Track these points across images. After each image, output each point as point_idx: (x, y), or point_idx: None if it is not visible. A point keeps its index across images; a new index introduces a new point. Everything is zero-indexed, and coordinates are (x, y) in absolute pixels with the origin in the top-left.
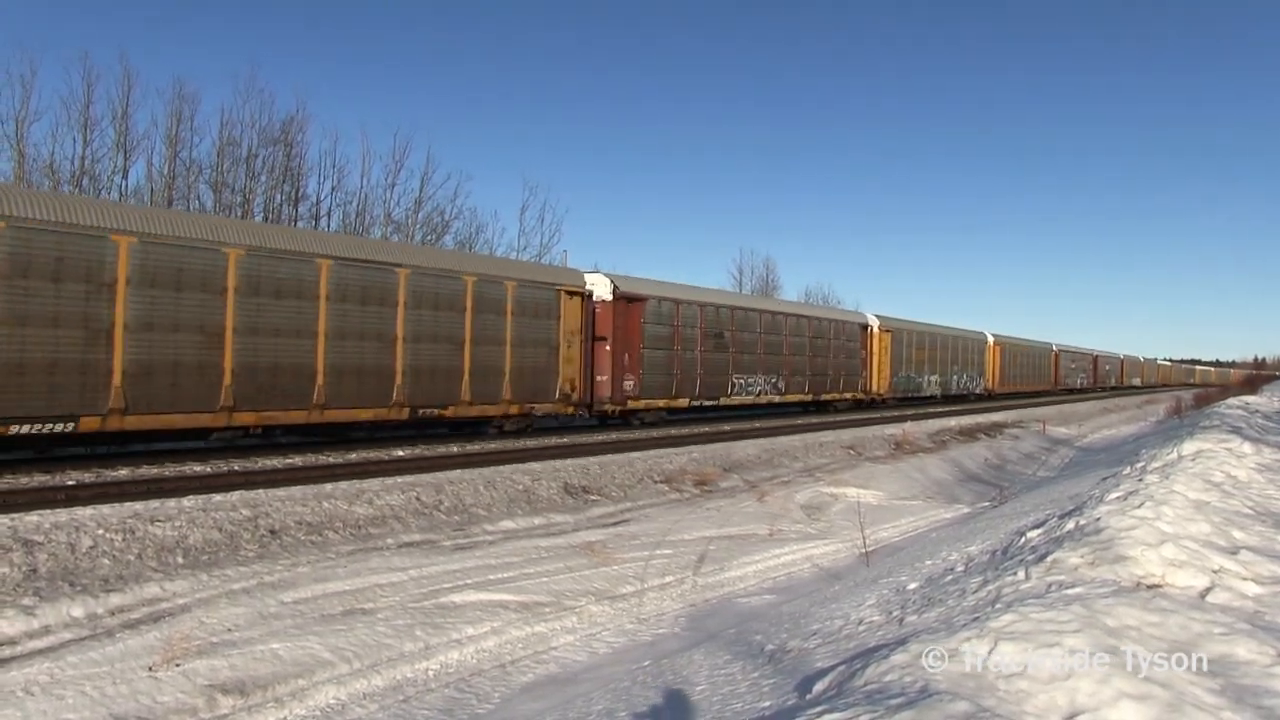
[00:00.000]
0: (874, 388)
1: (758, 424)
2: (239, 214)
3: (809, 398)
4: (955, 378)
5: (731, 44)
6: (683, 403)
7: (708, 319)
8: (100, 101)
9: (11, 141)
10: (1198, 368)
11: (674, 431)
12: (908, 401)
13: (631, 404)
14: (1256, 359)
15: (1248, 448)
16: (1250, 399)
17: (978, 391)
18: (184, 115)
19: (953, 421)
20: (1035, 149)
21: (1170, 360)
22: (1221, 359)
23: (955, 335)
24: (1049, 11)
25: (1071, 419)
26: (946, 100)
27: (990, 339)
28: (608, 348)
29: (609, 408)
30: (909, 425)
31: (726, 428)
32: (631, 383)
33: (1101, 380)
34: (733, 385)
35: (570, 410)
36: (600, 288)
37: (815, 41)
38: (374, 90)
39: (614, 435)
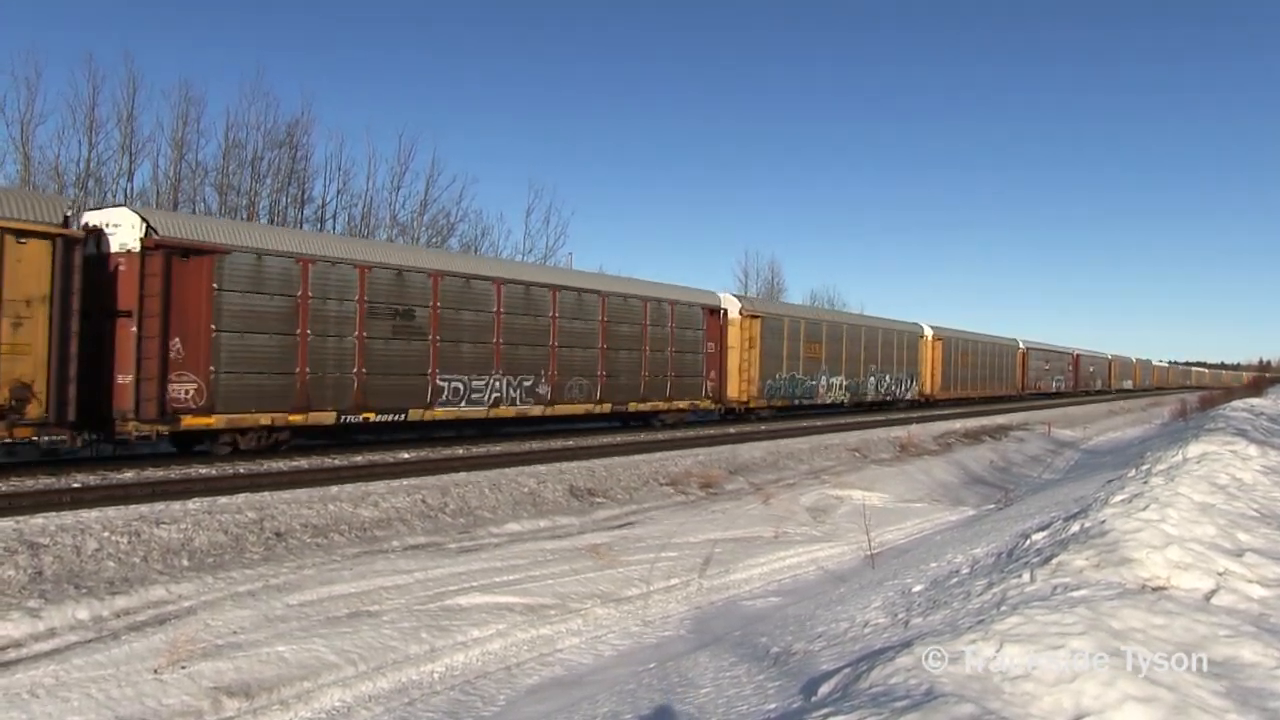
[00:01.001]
0: (731, 393)
1: (763, 426)
2: (244, 216)
3: (600, 407)
4: (874, 380)
5: (737, 45)
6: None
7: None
8: (105, 104)
9: (17, 144)
10: (1194, 370)
11: (679, 434)
12: (791, 412)
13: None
14: (1261, 361)
15: (1253, 450)
16: (1255, 401)
17: (908, 398)
18: (190, 118)
19: (958, 424)
20: (1037, 149)
21: (1170, 362)
22: (1226, 361)
23: (873, 327)
24: (1048, 12)
25: (1076, 421)
26: (948, 101)
27: (928, 332)
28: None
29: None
30: (914, 428)
31: (732, 430)
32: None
33: (1084, 383)
34: (436, 391)
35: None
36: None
37: (822, 43)
38: (379, 93)
39: (619, 438)
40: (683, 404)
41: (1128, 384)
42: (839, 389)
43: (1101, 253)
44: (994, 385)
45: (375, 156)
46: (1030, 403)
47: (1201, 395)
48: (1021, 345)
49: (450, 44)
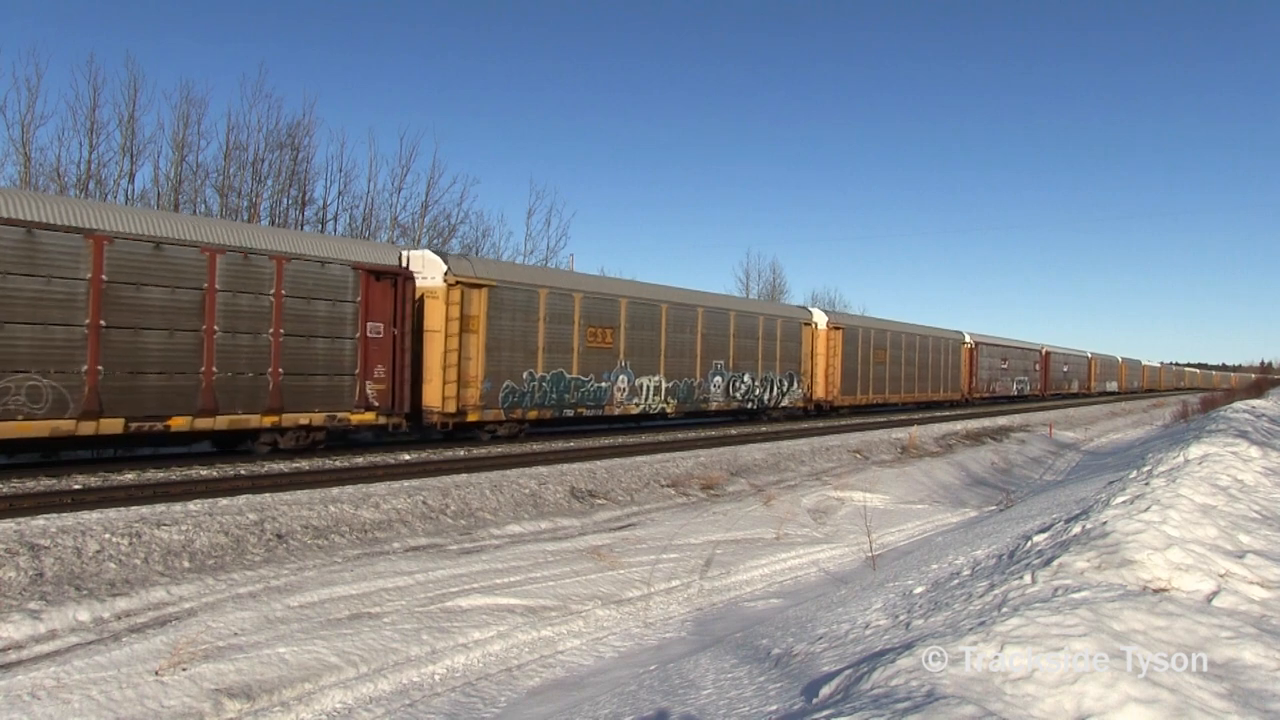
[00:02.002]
0: (434, 399)
1: (764, 428)
2: (245, 218)
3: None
4: (724, 380)
5: (738, 47)
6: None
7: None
8: (106, 105)
9: (18, 145)
10: (1187, 370)
11: (680, 435)
12: (558, 426)
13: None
14: (1263, 363)
15: (1255, 451)
16: (1257, 403)
17: (785, 404)
18: (191, 119)
19: (959, 425)
20: (1038, 148)
21: (1162, 363)
22: (1228, 363)
23: (719, 309)
24: (1047, 11)
25: (1078, 423)
26: (950, 101)
27: (820, 320)
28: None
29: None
30: (916, 429)
31: (733, 432)
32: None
33: (1056, 385)
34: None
35: (805, 405)
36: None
37: (825, 45)
38: (381, 95)
39: (619, 440)
40: (306, 418)
41: (1111, 386)
42: (653, 393)
43: (1108, 255)
44: (927, 388)
45: (376, 158)
46: (983, 409)
47: (1203, 397)
48: (969, 339)
49: (452, 46)
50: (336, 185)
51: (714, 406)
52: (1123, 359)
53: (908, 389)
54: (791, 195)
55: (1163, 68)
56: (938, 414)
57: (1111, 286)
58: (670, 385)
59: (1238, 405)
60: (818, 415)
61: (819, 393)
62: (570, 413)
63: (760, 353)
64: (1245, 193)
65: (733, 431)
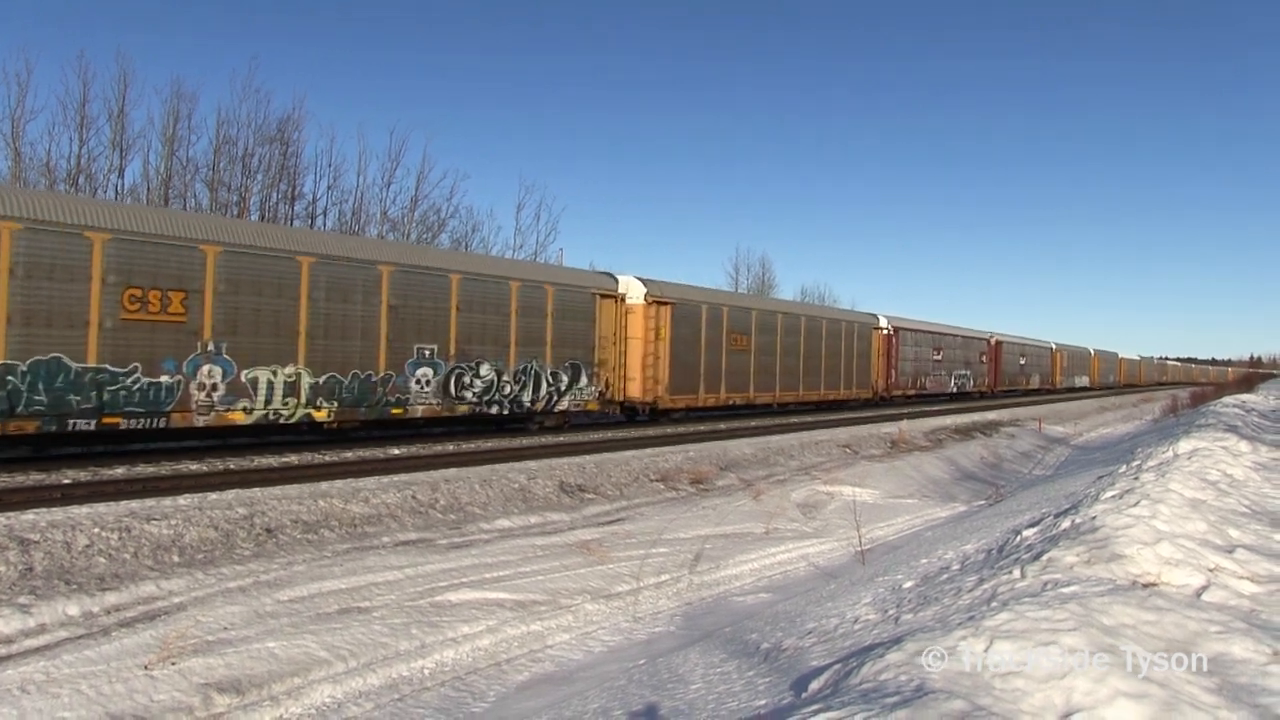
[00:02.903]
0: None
1: (754, 423)
2: (235, 212)
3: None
4: (453, 374)
5: (728, 42)
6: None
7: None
8: (96, 100)
9: (8, 140)
10: (1170, 364)
11: (670, 430)
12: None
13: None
14: (1253, 357)
15: (1244, 446)
16: (1246, 397)
17: (559, 408)
18: (181, 114)
19: (949, 420)
20: (1032, 146)
21: (1142, 356)
22: (1217, 357)
23: (425, 273)
24: (1046, 11)
25: (1067, 418)
26: (946, 99)
27: (635, 292)
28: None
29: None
30: (905, 424)
31: (722, 426)
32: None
33: (1011, 380)
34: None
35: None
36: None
37: (813, 39)
38: (370, 89)
39: (609, 434)
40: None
41: (1081, 380)
42: (281, 392)
43: (1105, 252)
44: (819, 384)
45: (366, 152)
46: (903, 410)
47: (1193, 391)
48: (886, 325)
49: (442, 41)
50: (326, 180)
51: (420, 411)
52: (1095, 351)
53: (788, 385)
54: (782, 190)
55: (1147, 60)
56: (832, 417)
57: (1108, 283)
58: (322, 381)
59: (1227, 399)
60: (631, 423)
61: (633, 391)
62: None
63: (515, 334)
64: (1241, 188)
65: (722, 426)
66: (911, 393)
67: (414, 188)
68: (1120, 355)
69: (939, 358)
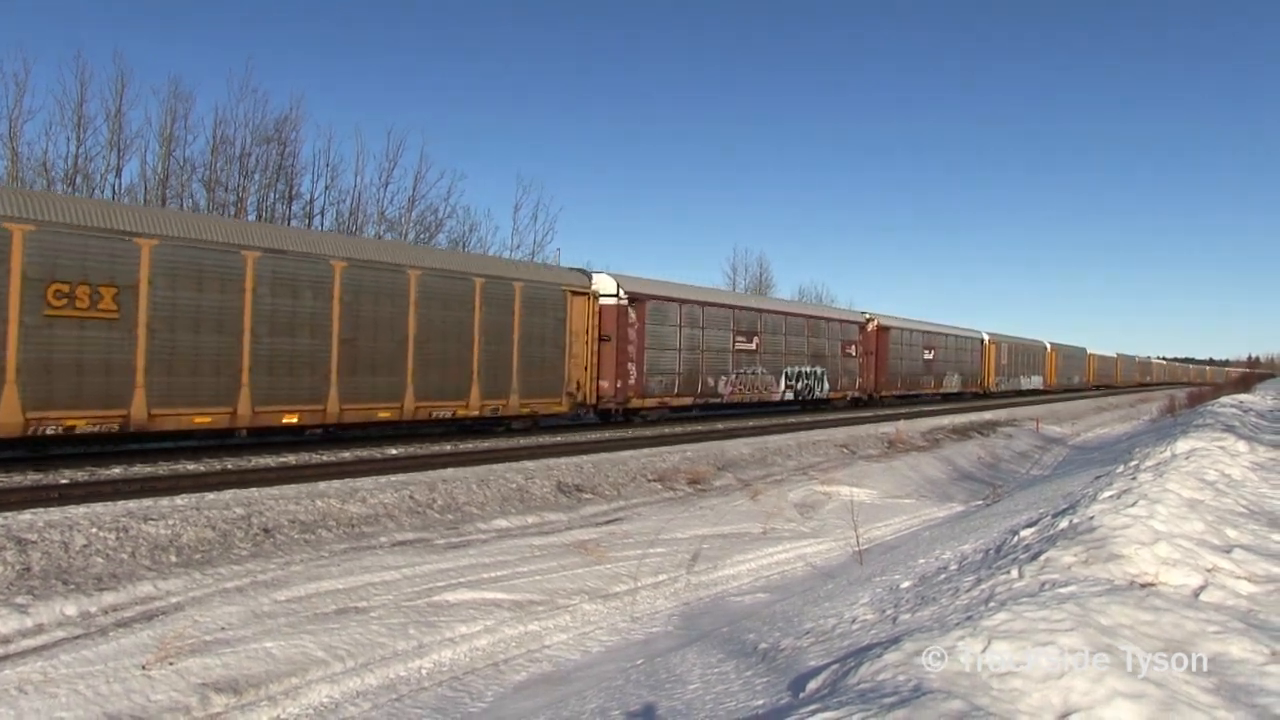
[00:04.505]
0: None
1: (751, 423)
2: (232, 213)
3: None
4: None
5: (725, 43)
6: None
7: None
8: (94, 100)
9: (5, 140)
10: (1155, 362)
11: (667, 430)
12: None
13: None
14: (1250, 357)
15: (1242, 446)
16: (1244, 397)
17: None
18: (179, 114)
19: (946, 420)
20: (1030, 146)
21: (1119, 354)
22: (1216, 357)
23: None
24: (1045, 12)
25: (1065, 418)
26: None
27: (610, 290)
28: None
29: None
30: (902, 424)
31: (720, 426)
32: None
33: (904, 380)
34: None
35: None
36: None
37: (814, 40)
38: (367, 90)
39: (607, 434)
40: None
41: (1030, 382)
42: None
43: (1095, 252)
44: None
45: (363, 152)
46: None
47: (1190, 392)
48: (618, 292)
49: (439, 40)
50: (324, 180)
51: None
52: (1053, 345)
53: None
54: (781, 190)
55: (1147, 60)
56: (830, 417)
57: (1108, 283)
58: None
59: (1224, 400)
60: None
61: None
62: None
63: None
64: (1242, 190)
65: (719, 426)
66: (760, 400)
67: (411, 188)
68: (1090, 351)
69: (752, 346)
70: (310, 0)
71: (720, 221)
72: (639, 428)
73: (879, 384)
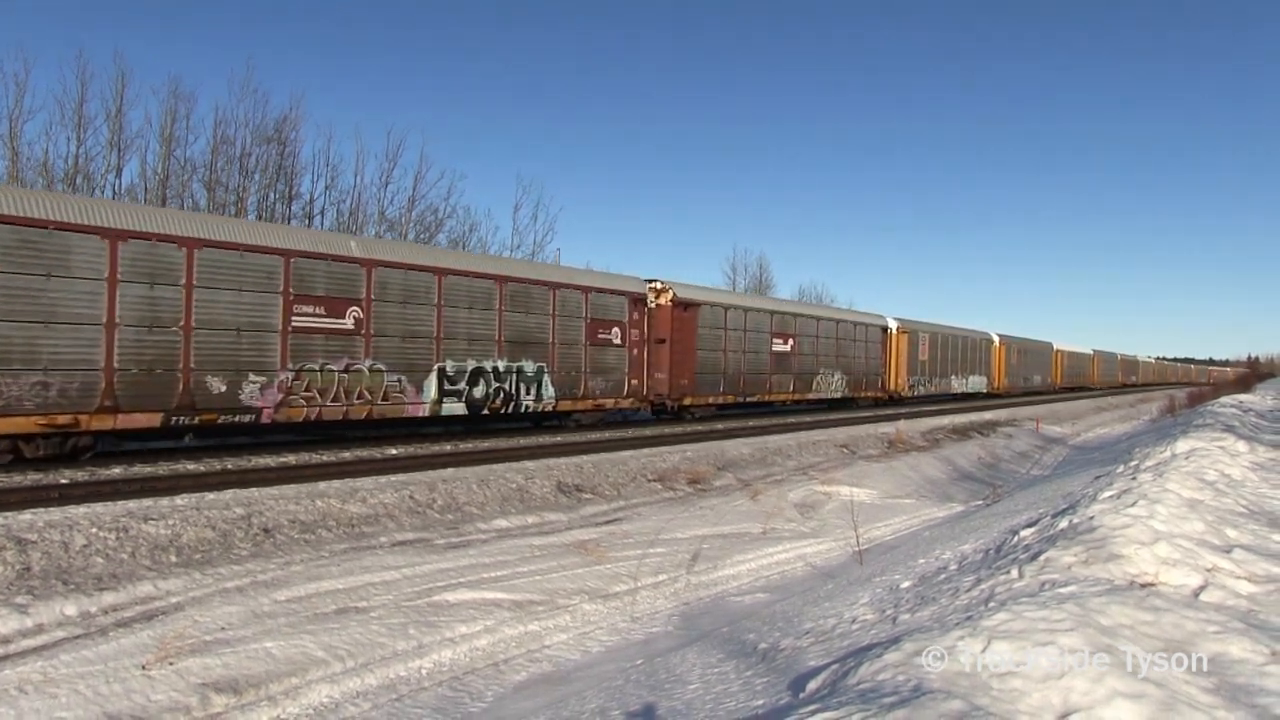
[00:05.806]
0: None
1: (751, 423)
2: (233, 212)
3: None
4: None
5: (725, 44)
6: None
7: None
8: (94, 100)
9: (5, 140)
10: (1141, 360)
11: (666, 430)
12: None
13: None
14: (1250, 357)
15: (1242, 446)
16: (1244, 397)
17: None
18: (179, 114)
19: (945, 420)
20: (1030, 146)
21: (1096, 350)
22: (1216, 357)
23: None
24: (1045, 12)
25: (1064, 418)
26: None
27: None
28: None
29: None
30: (902, 424)
31: (719, 426)
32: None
33: (771, 385)
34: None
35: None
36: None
37: (813, 40)
38: (367, 90)
39: (607, 434)
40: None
41: (971, 383)
42: None
43: (1095, 252)
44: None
45: (364, 152)
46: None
47: (1190, 392)
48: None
49: (438, 40)
50: (324, 180)
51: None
52: (1000, 338)
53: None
54: (780, 191)
55: (1147, 60)
56: (831, 417)
57: (1109, 284)
58: None
59: (1224, 400)
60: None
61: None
62: None
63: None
64: (1241, 190)
65: (719, 426)
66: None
67: (411, 187)
68: (1057, 346)
69: (606, 348)
70: (310, 0)
71: (720, 221)
72: (631, 429)
73: (746, 384)
